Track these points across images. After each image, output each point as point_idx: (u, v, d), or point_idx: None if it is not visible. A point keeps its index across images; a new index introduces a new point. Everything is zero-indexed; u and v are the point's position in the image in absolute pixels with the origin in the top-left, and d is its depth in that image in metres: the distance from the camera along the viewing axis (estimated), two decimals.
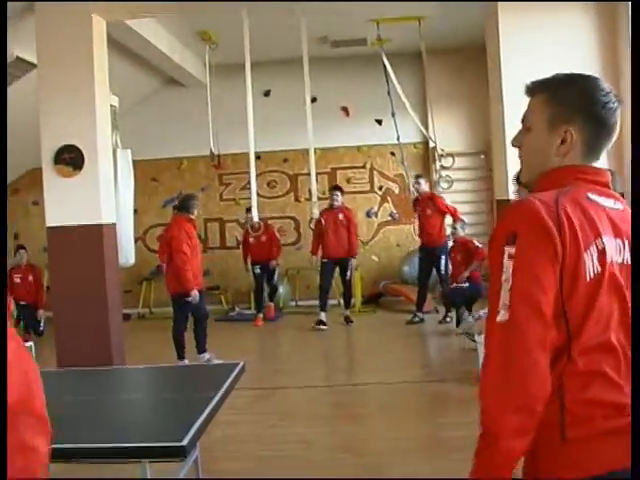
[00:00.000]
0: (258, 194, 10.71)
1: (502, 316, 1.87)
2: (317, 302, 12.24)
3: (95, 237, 8.04)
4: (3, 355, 1.55)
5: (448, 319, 11.36)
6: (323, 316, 11.93)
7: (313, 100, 11.56)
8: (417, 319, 11.63)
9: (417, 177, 12.18)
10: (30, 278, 12.22)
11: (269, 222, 13.14)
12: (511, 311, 1.86)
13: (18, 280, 12.11)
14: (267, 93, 14.11)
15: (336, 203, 12.18)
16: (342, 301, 12.58)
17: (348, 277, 12.22)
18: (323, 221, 11.70)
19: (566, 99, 2.06)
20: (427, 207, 11.75)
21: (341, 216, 12.18)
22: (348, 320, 12.11)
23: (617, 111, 2.04)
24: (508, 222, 1.96)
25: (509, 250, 1.90)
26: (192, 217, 9.40)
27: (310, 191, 10.92)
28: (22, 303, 11.94)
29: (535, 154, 2.12)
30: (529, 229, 1.90)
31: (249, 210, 11.44)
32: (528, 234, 1.89)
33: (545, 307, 1.85)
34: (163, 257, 9.47)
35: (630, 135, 2.04)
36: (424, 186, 11.87)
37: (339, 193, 12.27)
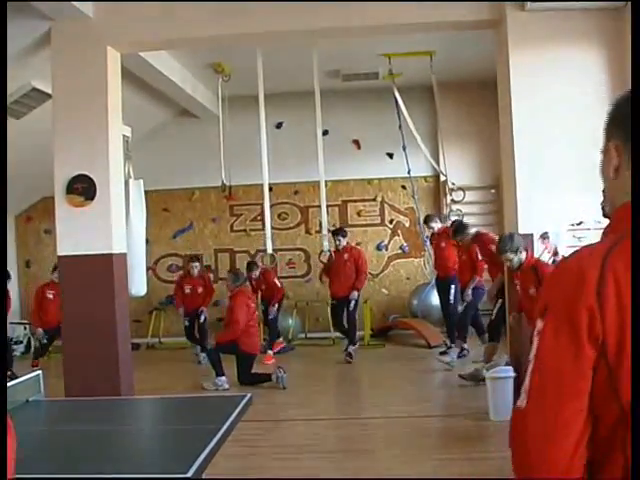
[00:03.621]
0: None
1: (520, 401, 1.62)
2: (326, 334, 12.29)
3: (106, 267, 8.07)
4: (3, 358, 1.54)
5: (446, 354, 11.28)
6: (351, 349, 11.84)
7: (325, 133, 11.64)
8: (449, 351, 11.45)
9: (427, 217, 12.24)
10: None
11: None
12: (527, 401, 1.60)
13: (50, 296, 12.15)
14: (279, 125, 14.18)
15: (340, 245, 12.19)
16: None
17: (351, 309, 12.10)
18: (333, 257, 11.91)
19: (609, 114, 1.77)
20: (442, 240, 11.80)
21: (346, 256, 12.18)
22: (349, 357, 11.73)
23: None
24: (544, 287, 1.68)
25: (538, 325, 1.62)
26: None
27: (321, 223, 10.99)
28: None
29: (602, 181, 1.79)
30: (560, 303, 1.58)
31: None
32: (558, 310, 1.57)
33: (565, 407, 1.56)
34: None
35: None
36: (438, 224, 11.94)
37: (341, 237, 12.20)
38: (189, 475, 3.48)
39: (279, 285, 12.79)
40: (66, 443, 4.46)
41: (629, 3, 7.54)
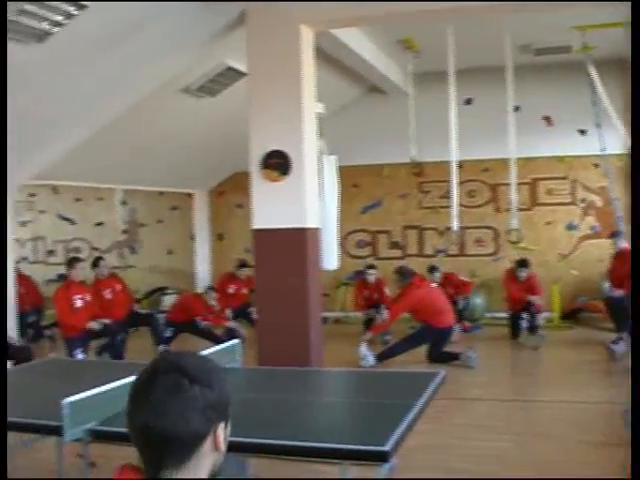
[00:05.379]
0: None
1: None
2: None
3: (299, 241, 8.22)
4: (3, 355, 1.63)
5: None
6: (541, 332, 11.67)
7: (516, 109, 11.40)
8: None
9: (614, 233, 11.63)
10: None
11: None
12: None
13: (232, 292, 12.45)
14: (468, 101, 13.98)
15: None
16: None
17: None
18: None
19: None
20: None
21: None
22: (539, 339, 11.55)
23: None
24: None
25: None
26: None
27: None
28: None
29: None
30: None
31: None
32: None
33: None
34: None
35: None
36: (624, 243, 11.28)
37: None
38: (386, 448, 3.51)
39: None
40: (261, 410, 4.60)
41: None
